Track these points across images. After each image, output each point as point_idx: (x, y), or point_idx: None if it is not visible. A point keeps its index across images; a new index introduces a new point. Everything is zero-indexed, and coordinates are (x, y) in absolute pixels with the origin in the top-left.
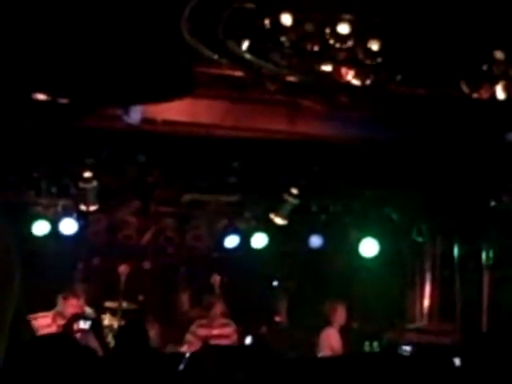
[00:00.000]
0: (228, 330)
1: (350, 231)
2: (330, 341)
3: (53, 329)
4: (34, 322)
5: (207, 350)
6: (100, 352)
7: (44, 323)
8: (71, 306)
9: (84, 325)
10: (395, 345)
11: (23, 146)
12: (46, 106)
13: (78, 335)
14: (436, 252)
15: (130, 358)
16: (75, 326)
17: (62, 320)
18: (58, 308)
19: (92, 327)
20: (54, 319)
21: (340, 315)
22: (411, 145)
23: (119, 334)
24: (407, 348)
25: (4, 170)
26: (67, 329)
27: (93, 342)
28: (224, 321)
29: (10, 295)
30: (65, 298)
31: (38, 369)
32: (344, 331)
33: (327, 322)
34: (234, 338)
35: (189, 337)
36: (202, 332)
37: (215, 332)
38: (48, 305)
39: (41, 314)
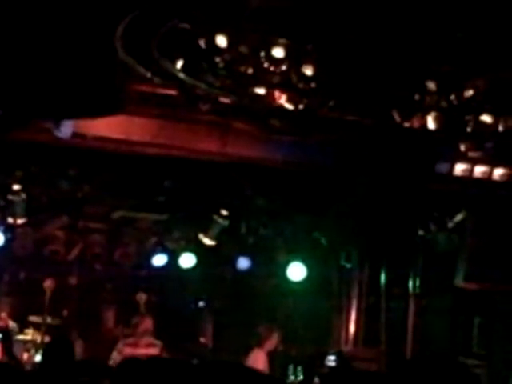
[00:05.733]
0: (154, 350)
1: (279, 254)
2: (258, 364)
3: None
4: None
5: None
6: (9, 364)
7: None
8: None
9: None
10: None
11: None
12: None
13: None
14: (363, 278)
15: (57, 374)
16: None
17: None
18: None
19: (2, 340)
20: None
21: (274, 340)
22: (342, 170)
23: (46, 350)
24: (332, 358)
25: None
26: None
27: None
28: (150, 340)
29: None
30: None
31: None
32: (270, 354)
33: (258, 345)
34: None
35: (115, 355)
36: (128, 351)
37: (141, 351)
38: None
39: None
